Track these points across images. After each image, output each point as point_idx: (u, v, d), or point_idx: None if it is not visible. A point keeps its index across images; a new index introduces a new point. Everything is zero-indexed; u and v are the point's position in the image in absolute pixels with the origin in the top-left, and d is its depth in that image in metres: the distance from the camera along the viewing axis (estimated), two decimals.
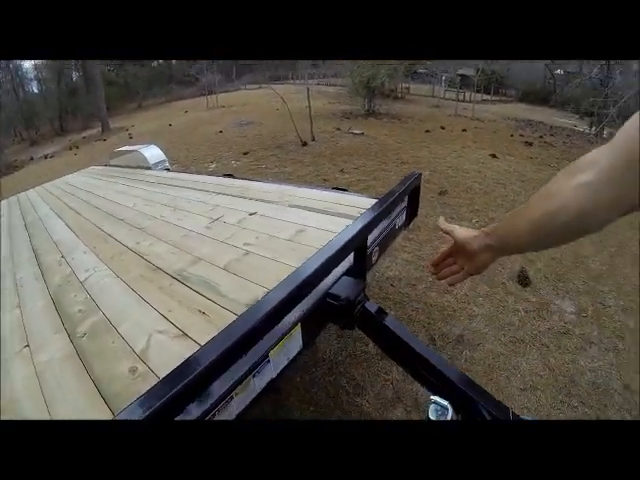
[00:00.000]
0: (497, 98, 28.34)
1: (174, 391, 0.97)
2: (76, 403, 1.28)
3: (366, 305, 1.76)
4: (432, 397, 1.30)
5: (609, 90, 15.09)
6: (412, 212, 2.63)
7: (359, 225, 1.74)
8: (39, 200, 5.01)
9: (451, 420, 1.21)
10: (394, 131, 12.03)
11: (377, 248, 2.13)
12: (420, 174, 2.50)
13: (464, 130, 12.88)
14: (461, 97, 23.03)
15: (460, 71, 25.26)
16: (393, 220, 2.35)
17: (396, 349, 1.73)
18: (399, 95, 24.06)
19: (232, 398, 1.21)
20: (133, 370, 1.36)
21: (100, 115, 25.59)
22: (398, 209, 2.42)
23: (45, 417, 1.27)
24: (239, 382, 1.21)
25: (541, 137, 13.54)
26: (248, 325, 1.18)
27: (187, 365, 1.07)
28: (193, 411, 1.08)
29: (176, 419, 1.03)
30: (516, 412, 1.37)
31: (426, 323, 3.62)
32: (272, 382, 1.42)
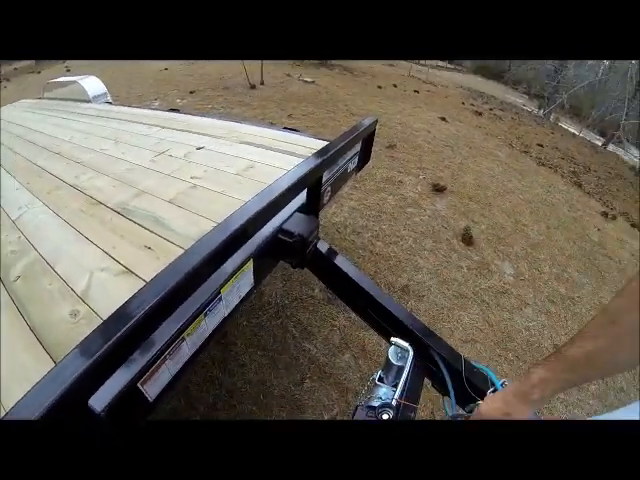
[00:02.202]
0: (452, 66, 28.53)
1: (119, 334, 0.91)
2: (16, 357, 1.15)
3: (318, 245, 1.73)
4: (393, 339, 1.30)
5: (561, 77, 15.71)
6: (365, 157, 2.59)
7: (314, 162, 1.68)
8: None
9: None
10: (346, 83, 11.86)
11: (329, 188, 2.09)
12: (375, 120, 2.45)
13: (416, 91, 12.87)
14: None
15: None
16: (346, 163, 2.31)
17: (349, 292, 1.72)
18: None
19: (183, 339, 1.14)
20: (74, 313, 1.26)
21: None
22: (352, 152, 2.38)
23: None
24: (190, 322, 1.15)
25: (491, 109, 13.81)
26: (197, 259, 1.11)
27: (132, 304, 1.00)
28: (142, 357, 1.02)
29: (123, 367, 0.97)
30: (468, 360, 1.41)
31: (372, 271, 3.68)
32: (224, 321, 1.37)
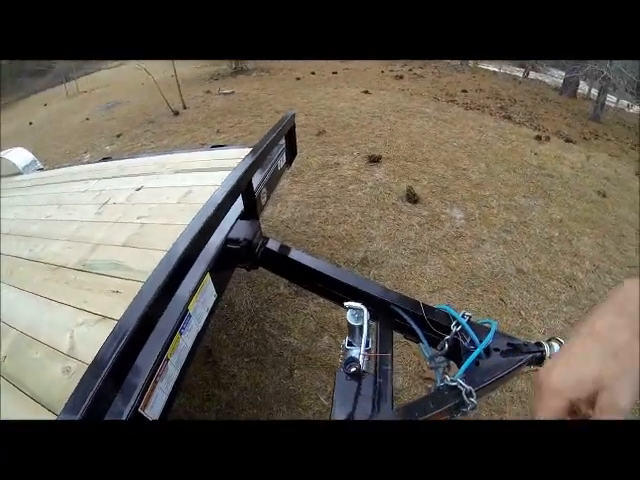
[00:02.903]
0: None
1: (105, 373, 1.01)
2: None
3: (267, 245, 1.89)
4: (346, 303, 1.44)
5: None
6: (291, 151, 2.75)
7: (240, 171, 1.80)
8: None
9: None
10: (265, 84, 11.93)
11: (265, 189, 2.25)
12: (293, 114, 2.60)
13: (334, 73, 13.04)
14: None
15: None
16: (275, 161, 2.47)
17: (307, 279, 1.87)
18: None
19: (167, 360, 1.27)
20: (67, 370, 1.35)
21: None
22: (277, 150, 2.55)
23: None
24: (168, 343, 1.28)
25: (410, 70, 14.13)
26: (155, 285, 1.22)
27: (109, 344, 1.09)
28: (133, 386, 1.13)
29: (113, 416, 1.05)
30: (426, 304, 1.54)
31: (329, 254, 3.83)
32: (199, 336, 1.51)
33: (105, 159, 4.21)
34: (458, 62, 16.53)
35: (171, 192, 2.47)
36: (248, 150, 2.64)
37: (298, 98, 9.49)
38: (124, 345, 1.07)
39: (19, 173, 5.03)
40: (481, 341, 1.26)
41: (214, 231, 1.59)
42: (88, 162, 4.62)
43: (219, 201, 1.56)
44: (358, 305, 1.42)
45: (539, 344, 1.27)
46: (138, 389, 1.14)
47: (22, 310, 1.90)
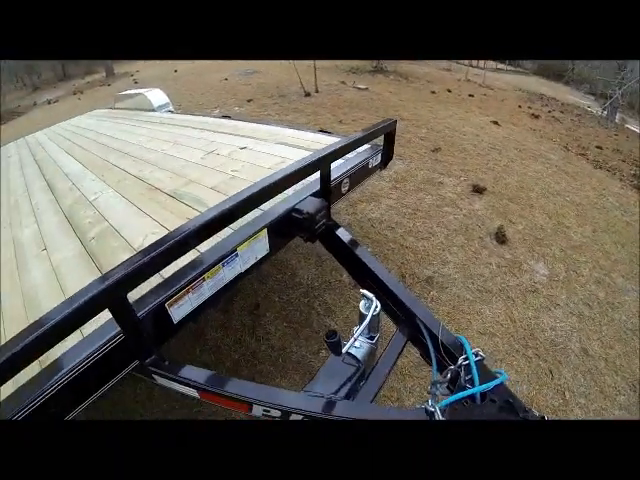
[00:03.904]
0: (512, 68, 27.55)
1: (152, 252, 1.22)
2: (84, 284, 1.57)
3: (336, 230, 2.05)
4: (362, 290, 1.53)
5: (625, 74, 14.81)
6: (388, 154, 2.83)
7: (320, 153, 1.95)
8: (46, 140, 5.33)
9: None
10: (399, 89, 11.94)
11: (347, 180, 2.38)
12: (395, 121, 2.66)
13: (471, 95, 12.73)
14: (474, 63, 22.57)
15: None
16: (367, 159, 2.59)
17: (352, 264, 1.99)
18: None
19: (204, 279, 1.52)
20: None
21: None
22: (373, 149, 2.68)
23: (60, 298, 1.59)
24: (210, 267, 1.53)
25: (550, 112, 13.28)
26: (212, 213, 1.42)
27: (159, 242, 1.29)
28: (170, 282, 1.42)
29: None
30: (446, 329, 1.55)
31: (399, 262, 3.86)
32: (240, 276, 1.73)
33: (225, 117, 4.63)
34: (603, 114, 15.35)
35: (267, 158, 2.72)
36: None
37: (426, 111, 9.43)
38: (173, 245, 1.28)
39: (152, 110, 5.66)
40: (481, 384, 1.24)
41: (276, 194, 1.74)
42: (214, 117, 5.06)
43: (290, 171, 1.73)
44: (370, 295, 1.49)
45: (543, 418, 1.17)
46: (172, 287, 1.42)
47: (116, 209, 2.38)
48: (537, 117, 11.72)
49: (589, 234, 5.23)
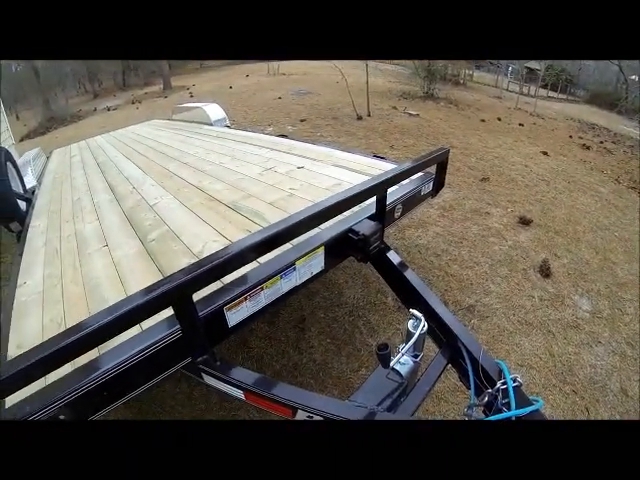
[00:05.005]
0: (564, 97, 26.99)
1: (213, 265, 1.31)
2: (144, 281, 1.73)
3: (387, 253, 2.14)
4: (411, 310, 1.62)
5: None
6: (439, 183, 2.88)
7: (378, 178, 2.03)
8: (107, 145, 5.66)
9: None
10: (450, 116, 11.94)
11: (400, 206, 2.46)
12: (448, 150, 2.71)
13: (521, 124, 12.57)
14: (525, 91, 22.33)
15: (527, 64, 24.29)
16: (419, 186, 2.66)
17: (400, 286, 2.08)
18: (461, 81, 23.36)
19: (262, 289, 1.64)
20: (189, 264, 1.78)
21: (162, 73, 25.95)
22: (425, 177, 2.75)
23: (120, 291, 1.75)
24: (269, 278, 1.64)
25: (601, 142, 12.89)
26: (273, 229, 1.51)
27: (222, 251, 1.40)
28: (231, 289, 1.54)
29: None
30: (487, 353, 1.60)
31: (443, 289, 3.88)
32: (295, 289, 1.84)
33: (281, 136, 4.80)
34: None
35: (324, 179, 2.84)
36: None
37: (476, 139, 9.41)
38: (244, 251, 1.39)
39: (210, 124, 5.91)
40: (516, 409, 1.29)
41: (336, 215, 1.83)
42: (268, 134, 5.26)
43: (351, 194, 1.81)
44: (419, 315, 1.58)
45: None
46: (231, 294, 1.54)
47: (176, 214, 2.53)
48: (588, 148, 11.43)
49: (636, 271, 5.06)
